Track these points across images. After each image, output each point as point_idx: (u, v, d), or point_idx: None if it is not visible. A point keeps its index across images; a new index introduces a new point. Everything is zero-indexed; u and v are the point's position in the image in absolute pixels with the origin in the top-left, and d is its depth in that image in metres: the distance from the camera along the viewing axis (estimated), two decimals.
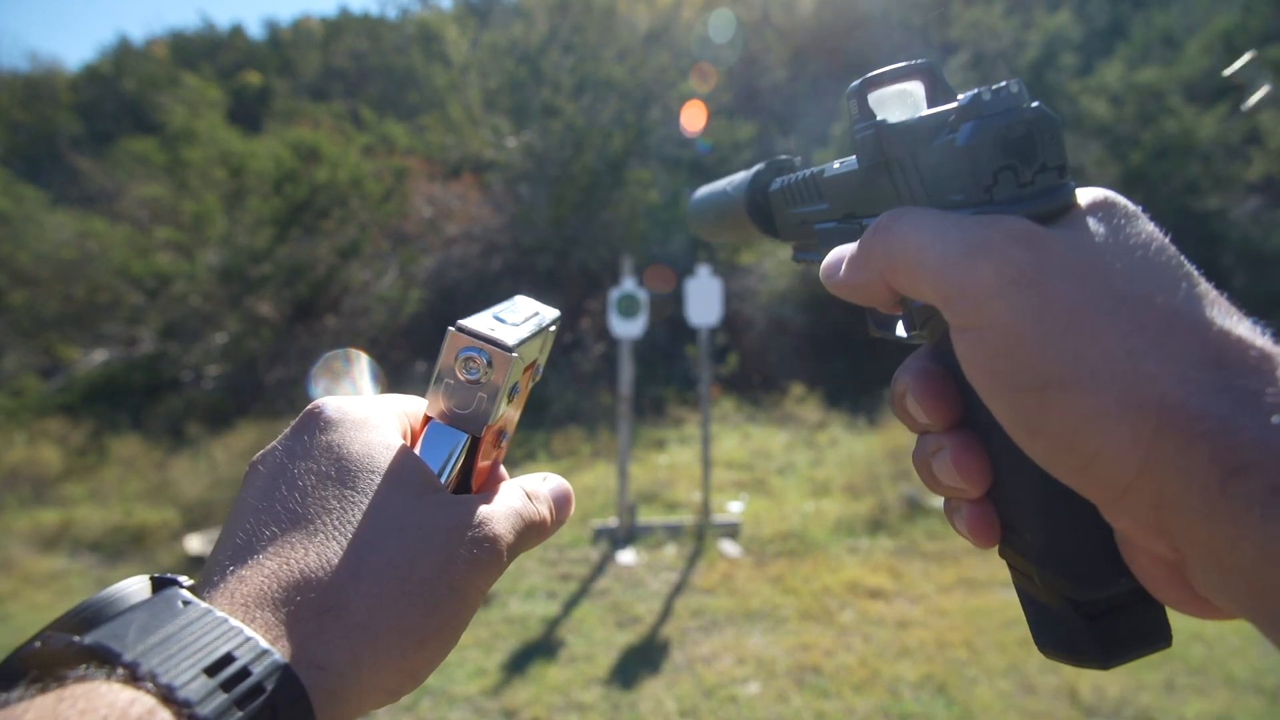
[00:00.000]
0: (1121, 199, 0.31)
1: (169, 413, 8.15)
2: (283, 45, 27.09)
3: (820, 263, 0.39)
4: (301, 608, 0.30)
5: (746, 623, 3.60)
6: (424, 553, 0.33)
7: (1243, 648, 3.21)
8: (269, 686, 0.26)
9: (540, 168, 11.06)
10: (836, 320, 9.31)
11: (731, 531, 4.74)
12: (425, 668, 0.33)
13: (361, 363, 7.98)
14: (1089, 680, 2.99)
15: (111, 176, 11.77)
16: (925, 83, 0.36)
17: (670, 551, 4.49)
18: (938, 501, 5.10)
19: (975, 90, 0.30)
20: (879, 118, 0.35)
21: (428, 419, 0.39)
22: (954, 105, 0.31)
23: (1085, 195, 0.31)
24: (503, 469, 0.44)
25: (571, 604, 3.84)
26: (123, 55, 26.24)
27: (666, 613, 3.71)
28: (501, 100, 11.62)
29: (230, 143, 10.35)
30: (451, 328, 0.38)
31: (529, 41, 11.96)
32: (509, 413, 0.42)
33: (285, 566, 0.31)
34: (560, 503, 0.42)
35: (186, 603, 0.28)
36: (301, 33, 28.09)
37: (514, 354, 0.38)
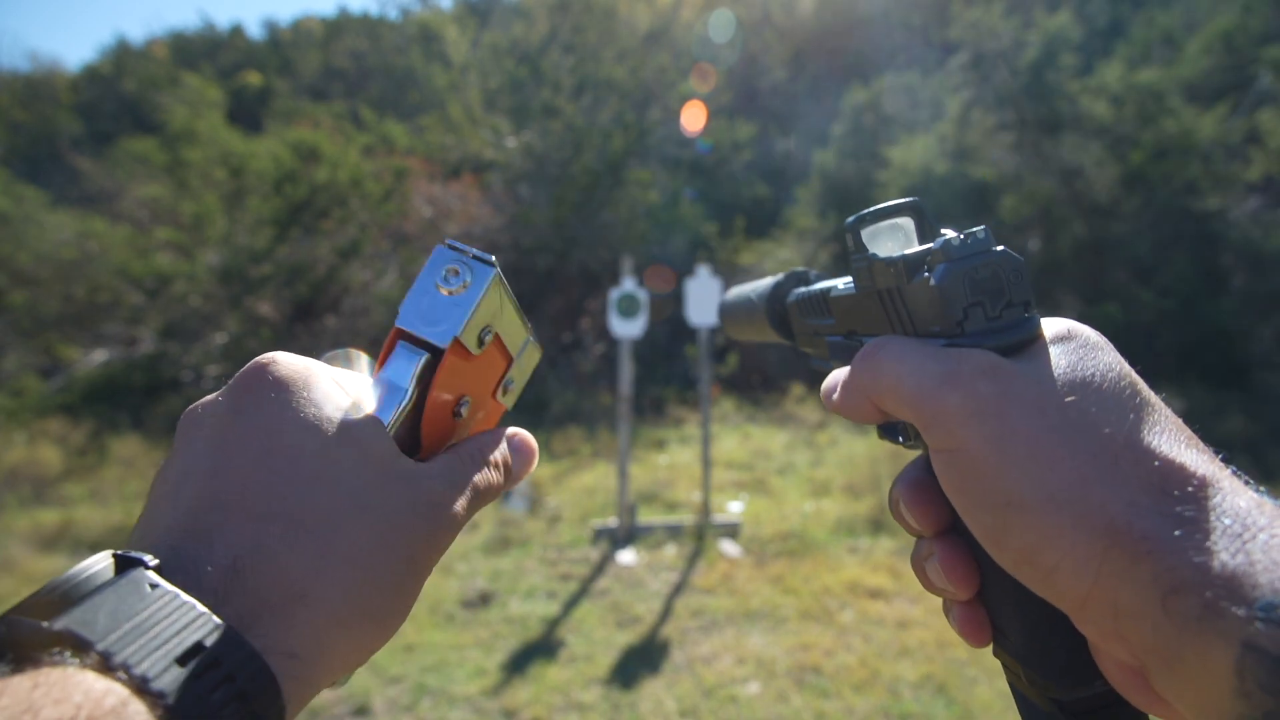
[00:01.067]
0: (1084, 330, 0.34)
1: (169, 413, 8.15)
2: (282, 45, 27.10)
3: (829, 369, 0.45)
4: (271, 594, 0.29)
5: (746, 623, 3.60)
6: (388, 533, 0.33)
7: None
8: (240, 676, 0.26)
9: (540, 168, 11.07)
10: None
11: (731, 531, 4.74)
12: (380, 643, 0.34)
13: (362, 363, 7.97)
14: None
15: (111, 177, 11.77)
16: (914, 218, 0.40)
17: (670, 551, 4.50)
18: None
19: (946, 236, 0.34)
20: (871, 251, 0.39)
21: (396, 335, 0.39)
22: (930, 247, 0.35)
23: (1050, 327, 0.34)
24: None
25: (571, 604, 3.84)
26: (123, 55, 26.26)
27: (666, 613, 3.71)
28: (501, 100, 11.63)
29: (231, 143, 10.35)
30: (440, 243, 0.39)
31: (529, 42, 11.97)
32: (473, 373, 0.41)
33: (253, 551, 0.30)
34: (521, 458, 0.43)
35: (154, 585, 0.27)
36: (301, 33, 28.10)
37: (496, 270, 0.39)
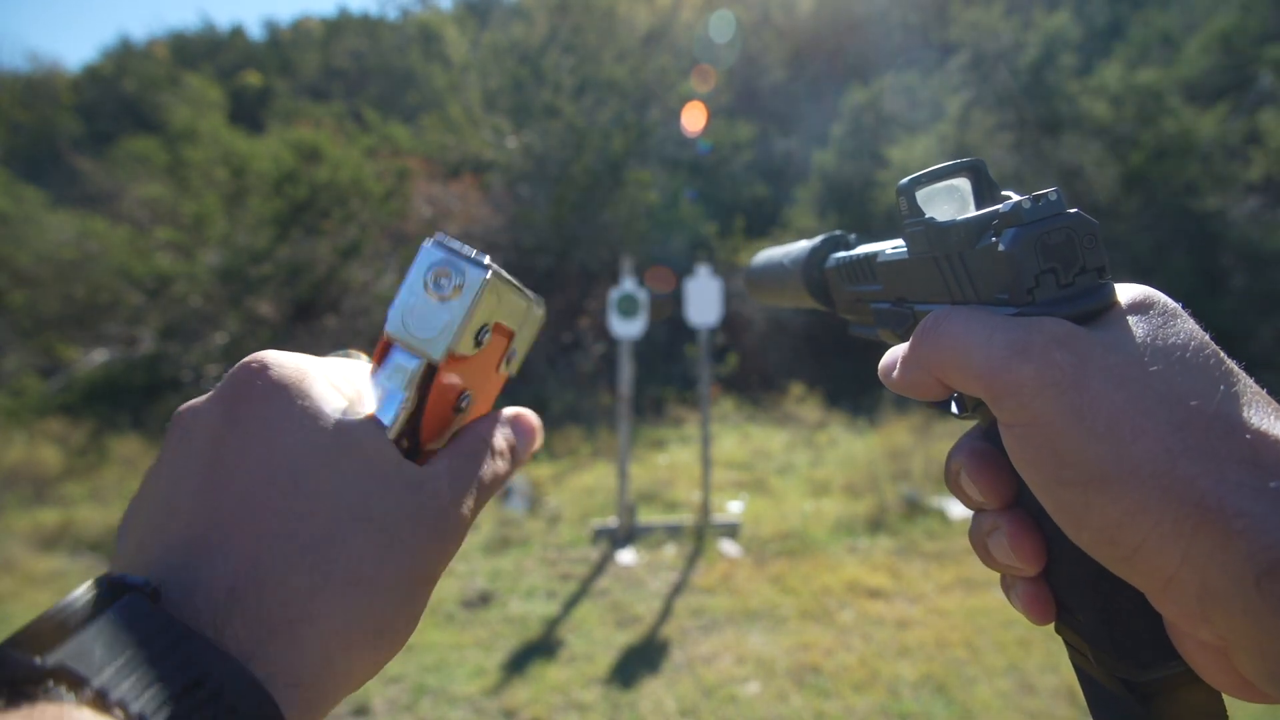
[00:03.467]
0: (1161, 297, 0.32)
1: (169, 413, 8.08)
2: (282, 46, 27.10)
3: (874, 337, 0.43)
4: (273, 618, 0.28)
5: (746, 622, 3.60)
6: (392, 546, 0.32)
7: None
8: (242, 709, 0.25)
9: (540, 168, 11.07)
10: (836, 320, 9.32)
11: (731, 531, 4.74)
12: (390, 657, 0.33)
13: (361, 363, 7.97)
14: None
15: (112, 177, 11.77)
16: (971, 179, 0.38)
17: (670, 551, 4.50)
18: (938, 502, 5.11)
19: (1016, 199, 0.32)
20: (927, 215, 0.37)
21: (387, 342, 0.36)
22: (997, 209, 0.33)
23: (1125, 294, 0.32)
24: None
25: (571, 604, 3.84)
26: (123, 56, 26.27)
27: (666, 612, 3.71)
28: (501, 100, 11.64)
29: (232, 143, 10.36)
30: (427, 240, 0.36)
31: (529, 42, 11.98)
32: (473, 368, 0.39)
33: (252, 573, 0.29)
34: (525, 440, 0.42)
35: (150, 614, 0.26)
36: (301, 33, 28.11)
37: (488, 273, 0.36)
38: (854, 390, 8.14)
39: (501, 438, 0.40)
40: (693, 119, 12.25)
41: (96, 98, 22.40)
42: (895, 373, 0.37)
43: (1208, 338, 0.30)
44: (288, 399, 0.33)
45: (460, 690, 3.06)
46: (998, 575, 0.37)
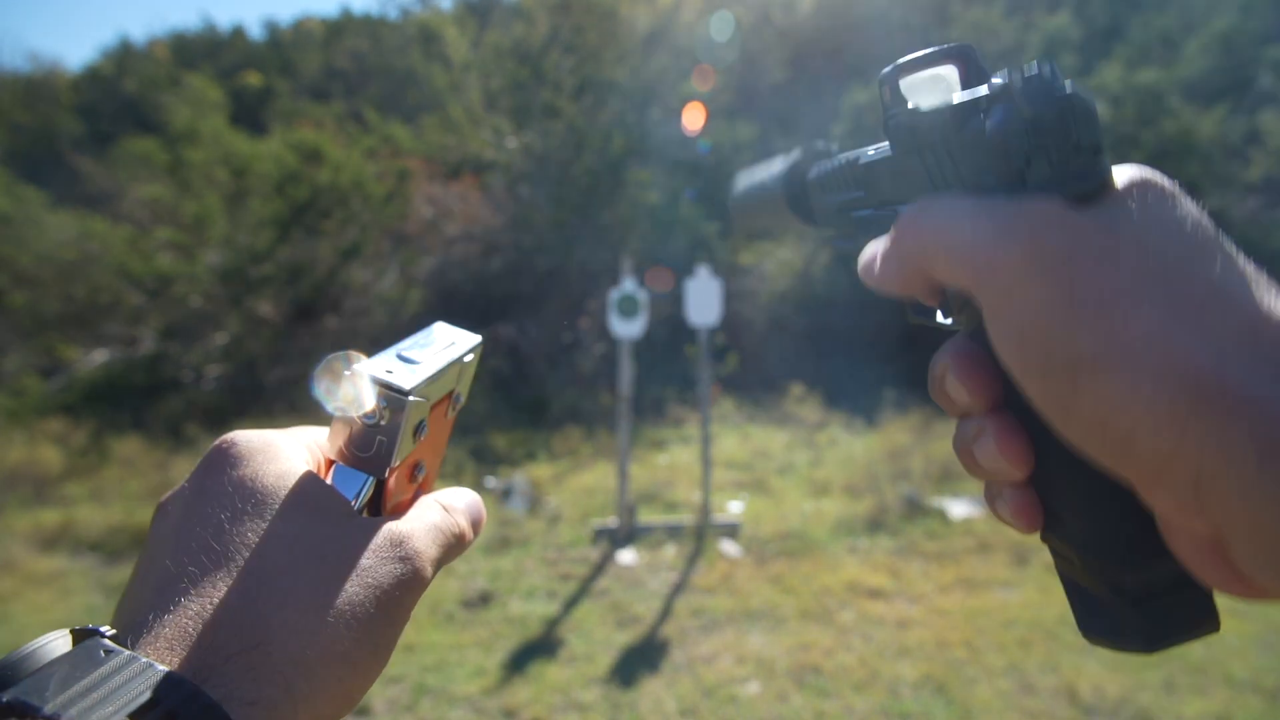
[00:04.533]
0: (1159, 177, 0.30)
1: (170, 413, 8.16)
2: (283, 46, 27.11)
3: (857, 250, 0.39)
4: (228, 645, 0.29)
5: (746, 622, 3.60)
6: (347, 577, 0.33)
7: (1242, 647, 3.22)
8: None
9: (541, 168, 11.08)
10: (836, 320, 9.32)
11: (731, 531, 4.74)
12: (360, 689, 0.33)
13: (360, 366, 7.97)
14: (1088, 680, 3.00)
15: (112, 177, 11.78)
16: (959, 67, 0.35)
17: (670, 551, 4.50)
18: (937, 501, 5.11)
19: (1005, 73, 0.30)
20: (910, 104, 0.34)
21: (331, 461, 0.38)
22: (984, 91, 0.31)
23: (1122, 174, 0.30)
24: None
25: (571, 604, 3.85)
26: (124, 56, 26.26)
27: (666, 612, 3.72)
28: (502, 101, 11.64)
29: (233, 144, 10.37)
30: (347, 368, 0.37)
31: (529, 42, 11.98)
32: (421, 448, 0.41)
33: (207, 605, 0.30)
34: (475, 517, 0.42)
35: (109, 651, 0.27)
36: (302, 33, 28.12)
37: (410, 398, 0.36)
38: (854, 390, 8.14)
39: (462, 503, 0.41)
40: (693, 119, 12.25)
41: (97, 98, 22.40)
42: (876, 267, 0.35)
43: (1207, 218, 0.29)
44: (251, 464, 0.35)
45: (460, 690, 3.06)
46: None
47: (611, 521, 4.85)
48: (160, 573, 0.32)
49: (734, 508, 5.34)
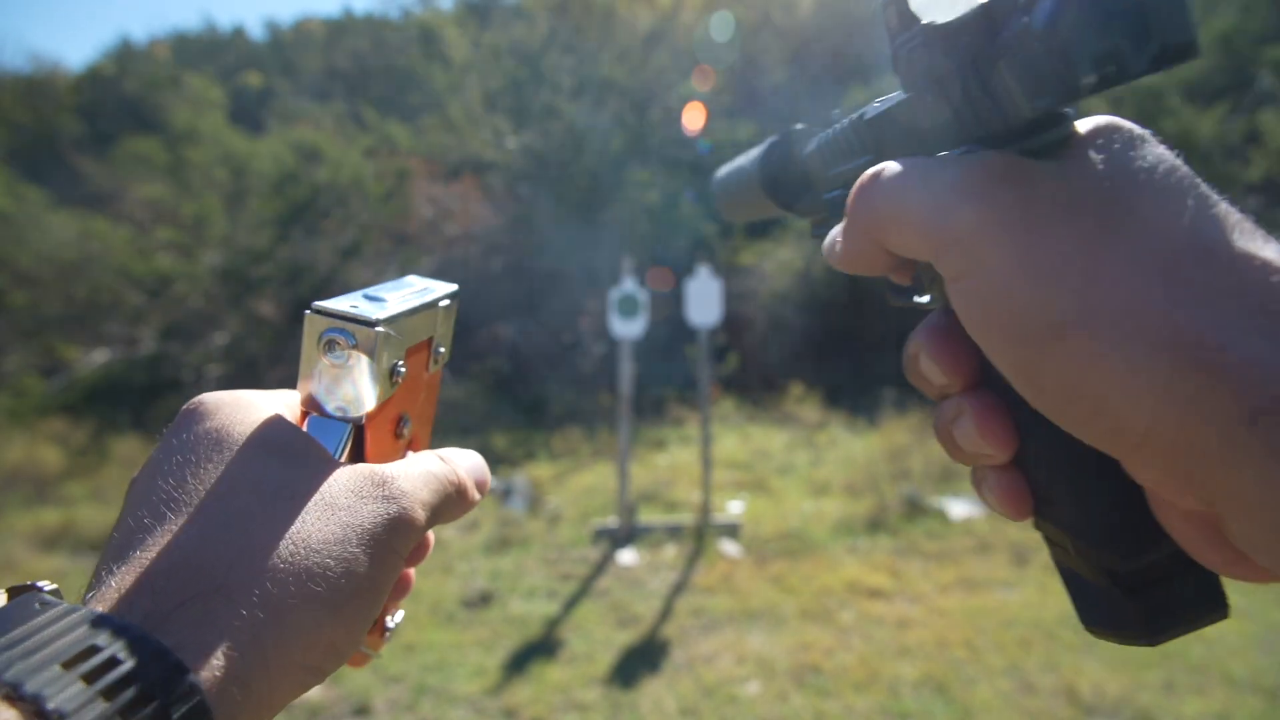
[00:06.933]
0: (1126, 123, 0.28)
1: (170, 413, 8.09)
2: (284, 46, 27.12)
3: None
4: (185, 591, 0.27)
5: (746, 622, 3.61)
6: (322, 516, 0.30)
7: (1242, 647, 3.21)
8: (144, 675, 0.24)
9: (540, 168, 11.08)
10: (836, 320, 9.32)
11: (731, 531, 4.74)
12: (347, 638, 0.30)
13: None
14: (1088, 679, 3.00)
15: (113, 177, 11.78)
16: None
17: (670, 551, 4.50)
18: (938, 502, 5.11)
19: None
20: (925, 21, 0.28)
21: (305, 413, 0.36)
22: None
23: (1085, 124, 0.28)
24: None
25: (572, 603, 3.85)
26: (125, 56, 26.26)
27: (666, 612, 3.72)
28: (502, 101, 11.65)
29: (233, 144, 10.37)
30: (308, 310, 0.34)
31: (529, 42, 11.98)
32: (401, 396, 0.38)
33: (164, 553, 0.28)
34: (478, 475, 0.39)
35: (45, 604, 0.26)
36: (302, 33, 28.13)
37: (379, 329, 0.34)
38: (854, 390, 8.14)
39: (462, 457, 0.39)
40: (693, 119, 12.24)
41: (98, 98, 22.39)
42: (836, 247, 0.32)
43: (1180, 161, 0.27)
44: (218, 417, 0.33)
45: (461, 690, 3.06)
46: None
47: (611, 521, 4.85)
48: (122, 532, 0.30)
49: (734, 508, 5.34)
